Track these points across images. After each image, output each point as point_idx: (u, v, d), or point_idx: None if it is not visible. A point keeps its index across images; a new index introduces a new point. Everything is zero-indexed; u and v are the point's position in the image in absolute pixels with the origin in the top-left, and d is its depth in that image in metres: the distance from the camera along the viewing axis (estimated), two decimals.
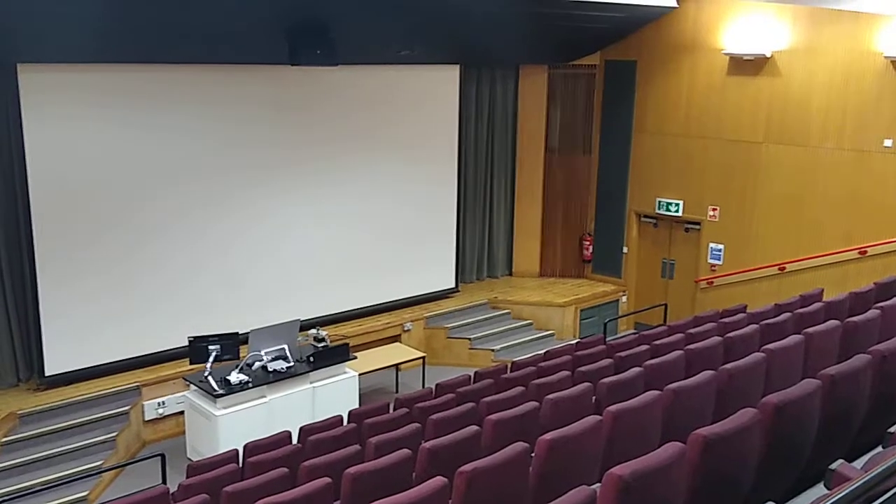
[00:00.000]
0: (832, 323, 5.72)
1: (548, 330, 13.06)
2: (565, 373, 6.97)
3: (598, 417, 4.21)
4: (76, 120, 9.36)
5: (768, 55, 11.95)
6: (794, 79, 11.82)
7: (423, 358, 11.22)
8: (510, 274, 14.55)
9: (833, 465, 3.05)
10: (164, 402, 9.82)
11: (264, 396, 8.97)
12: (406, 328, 12.19)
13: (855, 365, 3.99)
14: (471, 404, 6.35)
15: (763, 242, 12.33)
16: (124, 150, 9.77)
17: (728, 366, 4.88)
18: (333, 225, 11.78)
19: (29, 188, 9.08)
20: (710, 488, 3.22)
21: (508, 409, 5.46)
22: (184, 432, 9.40)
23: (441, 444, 4.75)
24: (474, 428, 5.02)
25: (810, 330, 5.57)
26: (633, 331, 13.01)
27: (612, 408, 4.29)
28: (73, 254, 9.49)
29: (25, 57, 8.76)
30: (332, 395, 9.44)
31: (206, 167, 10.48)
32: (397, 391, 11.17)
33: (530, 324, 13.11)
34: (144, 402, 9.74)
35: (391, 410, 7.79)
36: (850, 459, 3.87)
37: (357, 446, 5.77)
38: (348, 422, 7.52)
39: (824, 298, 8.95)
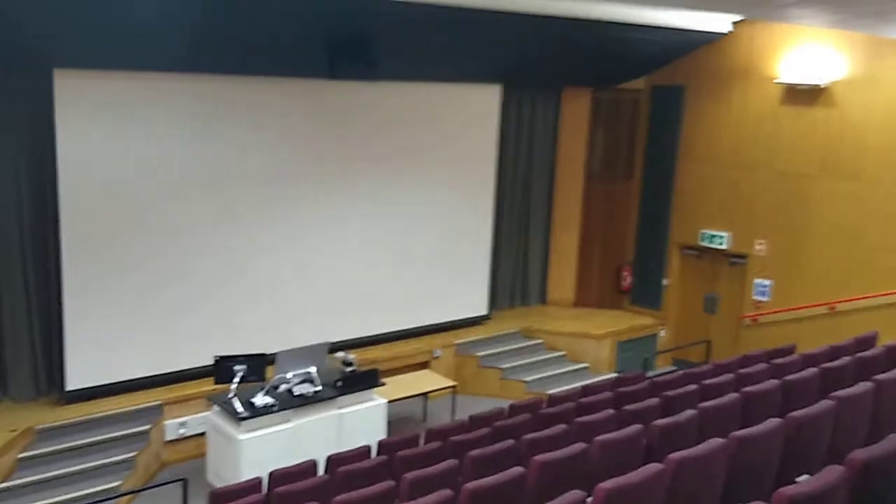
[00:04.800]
0: None
1: (582, 362, 12.58)
2: (610, 411, 6.55)
3: (660, 466, 3.80)
4: (109, 128, 9.16)
5: (824, 85, 11.50)
6: (851, 111, 11.35)
7: (454, 387, 10.79)
8: (544, 302, 14.11)
9: None
10: (185, 423, 9.51)
11: (289, 421, 8.62)
12: (436, 355, 11.81)
13: None
14: (510, 441, 5.95)
15: (812, 279, 11.79)
16: (154, 162, 9.55)
17: (797, 413, 4.45)
18: (365, 245, 11.46)
19: (59, 198, 8.88)
20: None
21: (553, 449, 5.05)
22: (204, 454, 9.07)
23: (484, 485, 4.36)
24: (519, 469, 4.62)
25: (880, 377, 5.11)
26: (673, 367, 12.51)
27: (675, 455, 3.88)
28: (100, 266, 9.26)
29: (63, 62, 8.60)
30: (360, 422, 9.06)
31: (237, 180, 10.23)
32: (425, 420, 10.77)
33: (564, 355, 12.64)
34: (166, 422, 9.44)
35: (422, 442, 7.40)
36: None
37: (391, 482, 5.38)
38: (378, 453, 7.15)
39: (881, 342, 8.45)
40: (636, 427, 5.19)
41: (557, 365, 12.41)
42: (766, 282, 12.36)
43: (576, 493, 3.63)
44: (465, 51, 10.91)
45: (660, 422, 5.26)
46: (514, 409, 8.10)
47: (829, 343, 8.41)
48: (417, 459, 6.34)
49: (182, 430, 9.51)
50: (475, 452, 5.76)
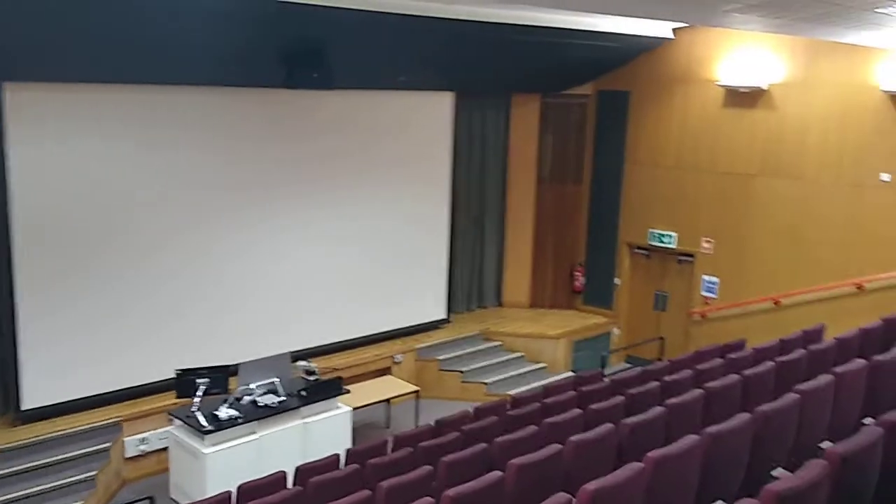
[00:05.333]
0: (859, 362, 5.51)
1: (540, 362, 12.79)
2: (576, 411, 6.69)
3: (640, 465, 3.94)
4: (63, 142, 8.99)
5: (764, 88, 11.92)
6: (791, 112, 11.79)
7: (418, 392, 10.86)
8: (500, 305, 14.29)
9: None
10: (146, 439, 9.37)
11: (254, 433, 8.58)
12: (396, 360, 11.86)
13: None
14: (482, 445, 6.04)
15: (757, 275, 12.20)
16: (109, 175, 9.41)
17: (765, 407, 4.65)
18: (322, 254, 11.47)
19: (10, 212, 8.68)
20: None
21: (525, 451, 5.17)
22: (166, 470, 8.96)
23: (465, 492, 4.44)
24: (497, 474, 4.72)
25: (839, 369, 5.36)
26: (627, 365, 12.81)
27: (654, 454, 4.02)
28: (54, 281, 9.08)
29: (13, 76, 8.40)
30: (325, 431, 9.07)
31: (192, 192, 10.14)
32: (389, 426, 10.81)
33: (522, 356, 12.83)
34: (126, 439, 9.29)
35: (390, 449, 7.45)
36: None
37: (366, 492, 5.42)
38: (347, 462, 7.17)
39: (826, 334, 8.81)
40: (608, 426, 5.34)
41: (516, 366, 12.59)
42: (714, 279, 12.75)
43: (561, 496, 3.74)
44: (419, 59, 11.02)
45: (630, 420, 5.42)
46: (480, 412, 8.20)
47: (776, 336, 8.73)
48: (389, 467, 6.39)
49: (143, 447, 9.37)
50: (449, 458, 5.83)
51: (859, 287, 11.22)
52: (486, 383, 12.01)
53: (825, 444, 4.57)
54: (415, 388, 10.93)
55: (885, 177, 10.99)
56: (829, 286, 11.45)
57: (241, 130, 10.45)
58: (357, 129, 11.61)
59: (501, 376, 12.22)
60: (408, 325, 12.47)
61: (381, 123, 11.91)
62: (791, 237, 11.87)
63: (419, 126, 12.43)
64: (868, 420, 4.96)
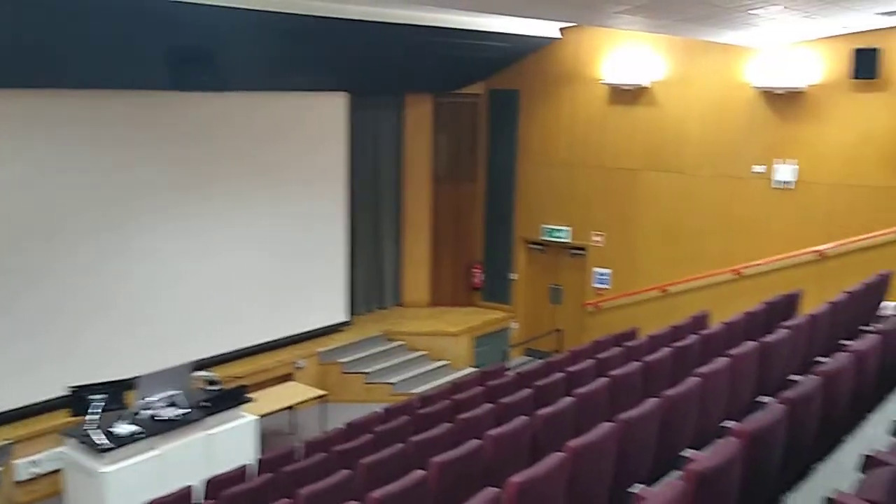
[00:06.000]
0: (750, 344, 5.85)
1: (443, 360, 12.91)
2: (488, 405, 6.80)
3: (561, 454, 4.06)
4: None
5: (646, 85, 12.45)
6: (671, 108, 12.37)
7: (324, 396, 10.76)
8: (400, 304, 14.33)
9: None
10: (37, 461, 8.89)
11: (155, 448, 8.27)
12: (299, 365, 11.71)
13: (809, 386, 4.06)
14: (399, 445, 6.06)
15: (647, 266, 12.74)
16: None
17: (670, 392, 4.87)
18: (218, 260, 11.18)
19: None
20: None
21: (443, 449, 5.23)
22: (60, 493, 8.52)
23: (390, 493, 4.45)
24: (420, 473, 4.75)
25: (733, 352, 5.67)
26: (528, 358, 13.10)
27: (573, 443, 4.15)
28: None
29: None
30: (230, 442, 8.84)
31: (82, 201, 9.68)
32: (294, 433, 10.66)
33: (425, 354, 12.92)
34: (15, 461, 8.77)
35: (303, 456, 7.36)
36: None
37: (285, 500, 5.35)
38: (259, 471, 7.03)
39: (711, 319, 9.31)
40: (522, 419, 5.47)
41: (420, 364, 12.67)
42: (605, 270, 13.22)
43: (489, 492, 3.81)
44: (311, 60, 10.89)
45: (543, 412, 5.56)
46: (391, 413, 8.21)
47: (665, 323, 9.17)
48: (305, 473, 6.32)
49: (34, 469, 8.88)
50: (367, 460, 5.82)
51: (738, 273, 11.90)
52: (391, 383, 12.03)
53: (727, 424, 4.83)
54: (321, 392, 10.82)
55: (758, 168, 11.70)
56: (711, 273, 12.09)
57: (131, 135, 10.05)
58: (251, 132, 11.38)
59: (406, 375, 12.27)
60: (309, 329, 12.33)
61: (275, 125, 11.72)
62: (675, 228, 12.46)
63: (313, 127, 12.30)
64: (763, 398, 5.28)
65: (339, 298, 12.92)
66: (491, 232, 14.47)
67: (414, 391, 11.37)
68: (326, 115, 12.50)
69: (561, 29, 13.09)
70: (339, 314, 12.91)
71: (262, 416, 9.53)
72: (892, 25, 10.29)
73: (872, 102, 10.77)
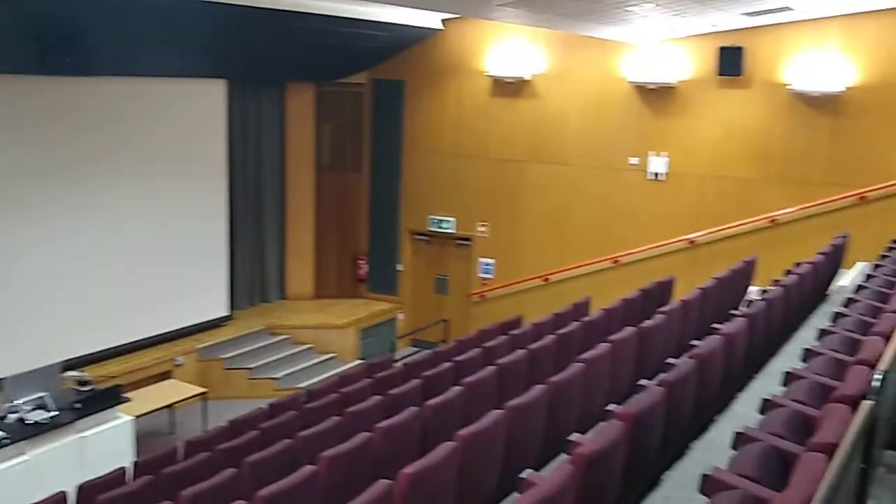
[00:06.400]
0: (629, 329, 6.06)
1: (329, 353, 12.77)
2: (376, 397, 6.77)
3: (452, 444, 4.08)
4: None
5: (527, 78, 12.69)
6: (552, 101, 12.65)
7: (205, 394, 10.42)
8: (284, 297, 14.06)
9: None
10: None
11: (24, 453, 7.79)
12: (178, 362, 11.30)
13: (684, 368, 4.24)
14: (286, 441, 5.94)
15: (530, 255, 13.02)
16: None
17: (556, 378, 4.99)
18: (92, 252, 10.63)
19: None
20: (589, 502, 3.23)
21: (332, 443, 5.17)
22: None
23: (278, 491, 4.35)
24: (309, 468, 4.67)
25: (614, 337, 5.87)
26: (415, 348, 13.14)
27: (463, 432, 4.18)
28: None
29: None
30: (105, 444, 8.43)
31: None
32: (174, 432, 10.29)
33: (311, 347, 12.74)
34: None
35: (184, 456, 7.10)
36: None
37: (167, 503, 5.14)
38: (136, 474, 6.74)
39: (592, 306, 9.62)
40: (412, 410, 5.46)
41: (305, 358, 12.49)
42: (490, 261, 13.42)
43: (381, 484, 3.78)
44: (187, 44, 10.48)
45: (432, 402, 5.57)
46: (276, 408, 8.05)
47: (549, 311, 9.41)
48: (187, 474, 6.10)
49: None
50: (252, 458, 5.68)
51: (616, 262, 12.35)
52: (275, 378, 11.80)
53: (610, 407, 4.99)
54: (201, 389, 10.48)
55: (634, 160, 12.15)
56: (591, 262, 12.49)
57: None
58: (123, 120, 10.85)
59: (291, 370, 12.07)
60: (188, 324, 11.91)
61: (150, 113, 11.22)
62: (557, 218, 12.79)
63: (190, 115, 11.86)
64: (642, 381, 5.48)
65: (220, 292, 12.54)
66: (376, 223, 14.40)
67: (300, 385, 11.20)
68: (204, 102, 12.07)
69: (443, 20, 13.14)
70: (220, 308, 12.54)
71: (139, 416, 9.15)
72: (756, 25, 10.90)
73: (737, 98, 11.38)
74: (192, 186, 11.93)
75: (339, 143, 14.26)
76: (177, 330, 11.75)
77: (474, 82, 13.16)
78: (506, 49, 12.80)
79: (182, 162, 11.71)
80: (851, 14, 10.50)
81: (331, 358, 12.68)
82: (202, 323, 12.17)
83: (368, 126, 14.26)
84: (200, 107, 12.03)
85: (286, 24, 10.81)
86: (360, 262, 14.44)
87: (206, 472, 5.85)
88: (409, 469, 3.76)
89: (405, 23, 12.50)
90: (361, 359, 12.77)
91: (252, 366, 11.87)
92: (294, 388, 10.87)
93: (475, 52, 13.12)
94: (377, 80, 14.07)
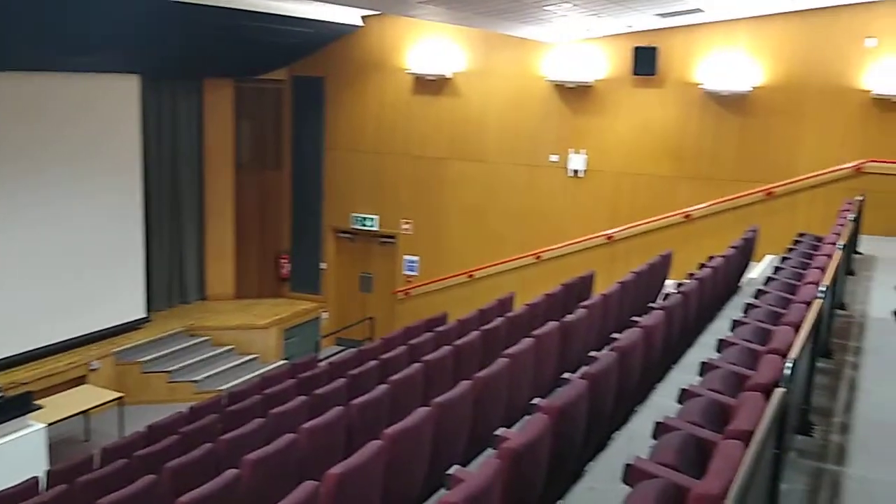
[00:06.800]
0: (552, 324, 6.17)
1: (251, 354, 12.56)
2: (301, 398, 6.69)
3: (379, 442, 4.07)
4: None
5: (449, 76, 12.74)
6: (473, 99, 12.74)
7: (122, 398, 10.10)
8: (204, 298, 13.75)
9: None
10: None
11: None
12: (93, 367, 10.93)
13: (606, 361, 4.34)
14: (207, 445, 5.81)
15: (454, 252, 13.09)
16: None
17: (482, 374, 5.03)
18: (1, 253, 10.17)
19: None
20: (516, 496, 3.27)
21: (255, 445, 5.09)
22: None
23: (200, 496, 4.26)
24: (232, 472, 4.58)
25: (537, 332, 5.95)
26: (339, 347, 13.03)
27: (390, 431, 4.17)
28: None
29: None
30: (16, 454, 8.11)
31: None
32: (89, 439, 9.94)
33: (232, 349, 12.50)
34: None
35: (100, 464, 6.87)
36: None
37: None
38: (49, 484, 6.48)
39: (516, 301, 9.73)
40: (337, 409, 5.42)
41: (226, 360, 12.26)
42: (414, 258, 13.43)
43: (308, 485, 3.75)
44: (98, 39, 10.09)
45: (358, 401, 5.54)
46: (197, 412, 7.87)
47: (473, 307, 9.48)
48: (104, 483, 5.91)
49: None
50: (172, 464, 5.54)
51: (538, 257, 12.53)
52: (195, 381, 11.54)
53: (535, 401, 5.06)
54: (117, 394, 10.16)
55: (554, 158, 12.35)
56: (514, 258, 12.64)
57: None
58: (33, 118, 10.42)
59: (211, 372, 11.83)
60: (103, 327, 11.53)
61: (60, 110, 10.80)
62: (480, 215, 12.89)
63: (102, 112, 11.46)
64: (566, 375, 5.58)
65: (137, 294, 12.18)
66: (299, 221, 14.22)
67: (221, 388, 10.98)
68: (117, 99, 11.69)
69: (363, 17, 13.05)
70: (137, 310, 12.17)
71: (53, 423, 8.82)
72: (670, 26, 11.22)
73: (652, 97, 11.69)
74: (106, 185, 11.54)
75: (260, 140, 14.02)
76: (92, 333, 11.36)
77: (396, 80, 13.13)
78: (427, 47, 12.82)
79: (95, 160, 11.32)
80: (758, 16, 10.93)
81: (253, 359, 12.47)
82: (118, 325, 11.80)
83: (289, 123, 14.07)
84: (113, 103, 11.64)
85: (201, 18, 10.55)
86: (283, 260, 14.24)
87: (124, 480, 5.67)
88: (336, 469, 3.73)
89: (324, 19, 12.36)
90: (285, 359, 12.60)
91: (171, 369, 11.58)
92: (215, 391, 10.65)
93: (396, 49, 13.10)
94: (297, 76, 13.89)
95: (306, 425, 5.14)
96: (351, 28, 13.09)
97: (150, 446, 6.68)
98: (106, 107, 11.54)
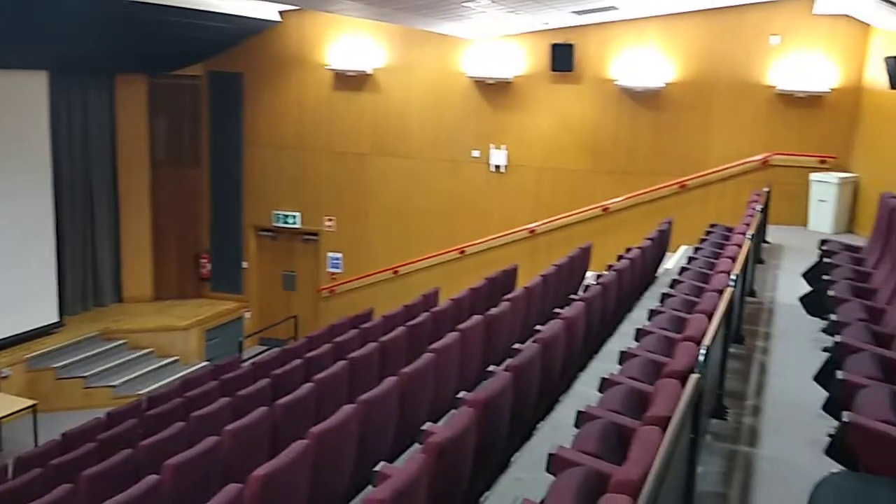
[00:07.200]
0: (477, 318, 6.23)
1: (171, 356, 12.26)
2: (223, 400, 6.57)
3: (304, 442, 4.04)
4: None
5: (369, 72, 12.68)
6: (394, 95, 12.73)
7: (34, 406, 9.72)
8: (120, 300, 13.34)
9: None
10: None
11: None
12: (3, 374, 10.48)
13: (529, 352, 4.41)
14: (126, 452, 5.65)
15: (379, 248, 13.06)
16: None
17: (407, 369, 5.04)
18: None
19: None
20: (443, 490, 3.30)
21: (177, 449, 4.98)
22: None
23: (120, 503, 4.15)
24: (153, 478, 4.48)
25: (462, 326, 6.00)
26: (263, 347, 12.85)
27: (315, 429, 4.15)
28: None
29: None
30: None
31: None
32: (2, 449, 9.54)
33: (151, 352, 12.18)
34: None
35: (13, 474, 6.62)
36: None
37: None
38: None
39: (441, 296, 9.79)
40: (261, 410, 5.35)
41: (145, 363, 11.94)
42: (338, 255, 13.34)
43: (231, 488, 3.69)
44: (3, 33, 9.67)
45: (282, 401, 5.48)
46: (115, 417, 7.65)
47: (399, 303, 9.51)
48: (17, 493, 5.71)
49: None
50: (90, 472, 5.37)
51: (462, 252, 12.62)
52: (112, 386, 11.21)
53: (461, 395, 5.11)
54: (30, 402, 9.78)
55: (476, 153, 12.46)
56: (438, 253, 12.70)
57: None
58: None
59: (130, 376, 11.50)
60: (14, 333, 11.08)
61: None
62: (403, 211, 12.90)
63: (9, 111, 10.99)
64: (491, 367, 5.64)
65: (49, 297, 11.73)
66: (218, 219, 13.93)
67: (140, 392, 10.69)
68: (24, 97, 11.23)
69: (281, 12, 12.86)
70: (50, 314, 11.73)
71: None
72: (585, 23, 11.45)
73: (570, 93, 11.92)
74: (14, 186, 11.09)
75: (176, 137, 13.68)
76: (1, 340, 10.89)
77: (316, 75, 13.00)
78: (347, 42, 12.74)
79: (2, 161, 10.84)
80: (668, 15, 11.26)
81: (173, 361, 12.18)
82: (30, 331, 11.36)
83: (206, 120, 13.76)
84: (19, 102, 11.19)
85: (112, 11, 10.21)
86: (203, 260, 13.93)
87: (39, 490, 5.50)
88: (260, 471, 3.70)
89: (241, 14, 12.13)
90: (207, 361, 12.35)
91: (87, 374, 11.21)
92: (134, 396, 10.36)
93: (315, 44, 12.96)
94: (213, 72, 13.59)
95: (229, 427, 5.05)
96: (269, 23, 12.89)
97: (65, 454, 6.48)
98: (12, 105, 11.06)
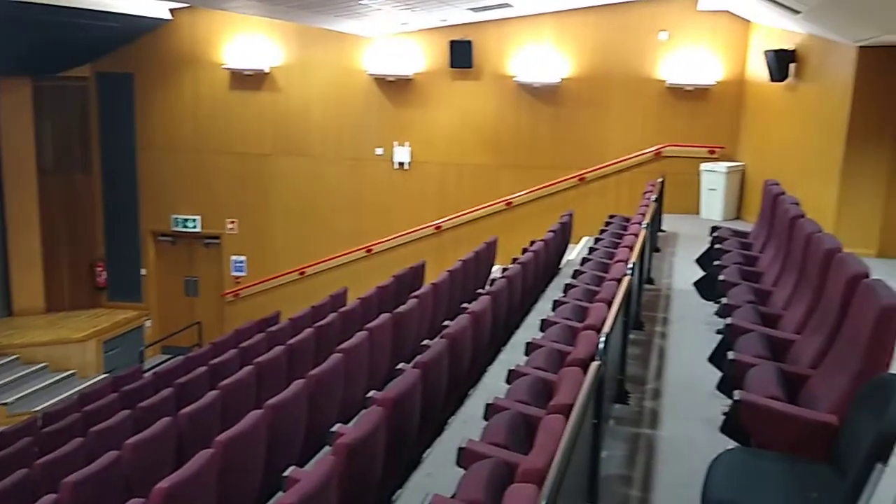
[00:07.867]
0: (385, 316, 6.22)
1: (67, 370, 11.74)
2: (125, 412, 6.35)
3: (210, 451, 3.95)
4: None
5: (267, 70, 12.46)
6: (293, 94, 12.55)
7: None
8: (10, 314, 12.69)
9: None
10: None
11: None
12: None
13: (437, 348, 4.44)
14: (21, 471, 5.39)
15: (285, 249, 12.86)
16: None
17: (315, 371, 5.00)
18: None
19: None
20: (354, 490, 3.29)
21: (76, 467, 4.79)
22: None
23: None
24: (50, 497, 4.29)
25: (370, 325, 5.99)
26: (166, 356, 12.46)
27: (222, 437, 4.06)
28: None
29: None
30: None
31: None
32: None
33: (45, 366, 11.62)
34: None
35: None
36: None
37: None
38: None
39: (349, 295, 9.73)
40: (165, 421, 5.20)
41: (39, 378, 11.40)
42: (242, 258, 13.06)
43: (134, 502, 3.58)
44: None
45: (186, 410, 5.34)
46: (8, 436, 7.27)
47: (307, 304, 9.40)
48: None
49: None
50: None
51: (369, 251, 12.57)
52: (5, 404, 10.63)
53: (370, 394, 5.10)
54: None
55: (379, 151, 12.42)
56: (345, 252, 12.60)
57: None
58: None
59: (23, 393, 10.96)
60: None
61: None
62: (308, 211, 12.74)
63: None
64: (400, 365, 5.65)
65: None
66: (113, 226, 13.41)
67: (35, 409, 10.20)
68: None
69: (172, 10, 12.48)
70: None
71: None
72: (482, 20, 11.57)
73: (470, 90, 12.03)
74: None
75: (65, 142, 13.09)
76: None
77: (211, 75, 12.68)
78: (243, 41, 12.47)
79: None
80: (561, 11, 11.51)
81: (70, 375, 11.66)
82: None
83: (96, 123, 13.21)
84: None
85: None
86: (98, 269, 13.39)
87: None
88: (163, 483, 3.59)
89: (129, 12, 11.69)
90: (106, 373, 11.88)
91: None
92: (28, 413, 9.88)
93: (210, 43, 12.63)
94: (101, 73, 13.06)
95: (131, 440, 4.88)
96: (159, 22, 12.48)
97: None
98: None
